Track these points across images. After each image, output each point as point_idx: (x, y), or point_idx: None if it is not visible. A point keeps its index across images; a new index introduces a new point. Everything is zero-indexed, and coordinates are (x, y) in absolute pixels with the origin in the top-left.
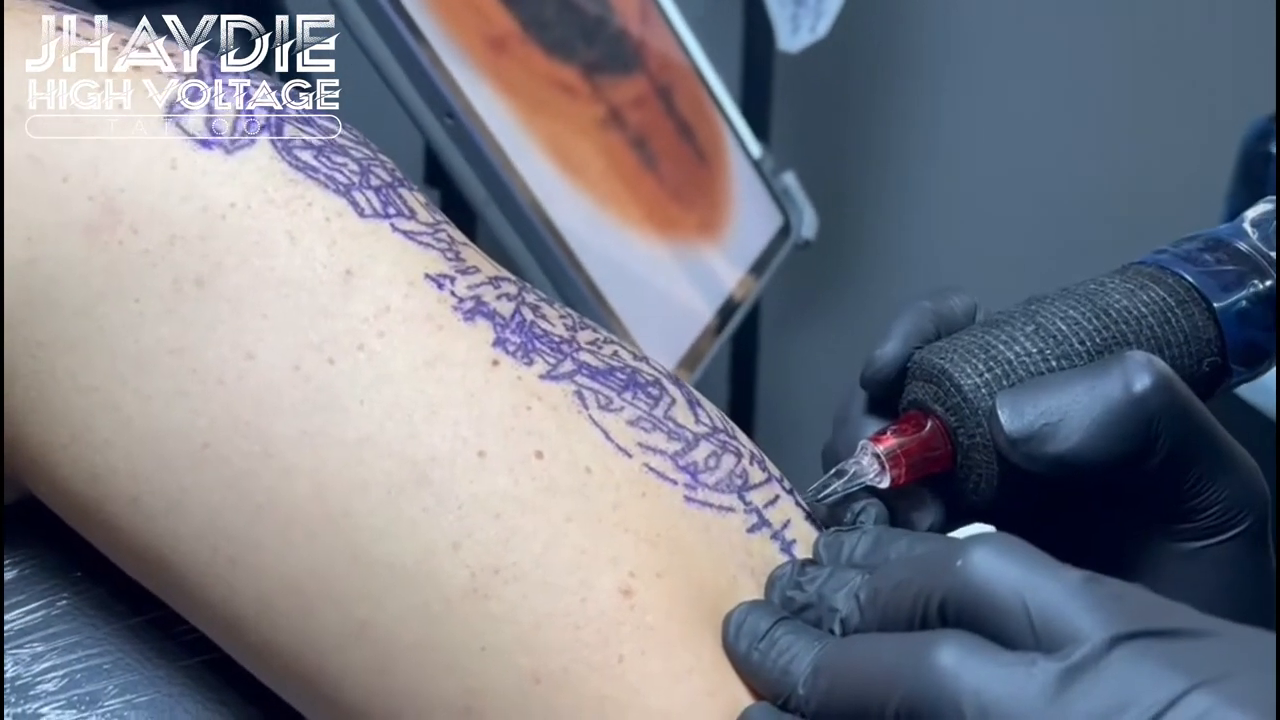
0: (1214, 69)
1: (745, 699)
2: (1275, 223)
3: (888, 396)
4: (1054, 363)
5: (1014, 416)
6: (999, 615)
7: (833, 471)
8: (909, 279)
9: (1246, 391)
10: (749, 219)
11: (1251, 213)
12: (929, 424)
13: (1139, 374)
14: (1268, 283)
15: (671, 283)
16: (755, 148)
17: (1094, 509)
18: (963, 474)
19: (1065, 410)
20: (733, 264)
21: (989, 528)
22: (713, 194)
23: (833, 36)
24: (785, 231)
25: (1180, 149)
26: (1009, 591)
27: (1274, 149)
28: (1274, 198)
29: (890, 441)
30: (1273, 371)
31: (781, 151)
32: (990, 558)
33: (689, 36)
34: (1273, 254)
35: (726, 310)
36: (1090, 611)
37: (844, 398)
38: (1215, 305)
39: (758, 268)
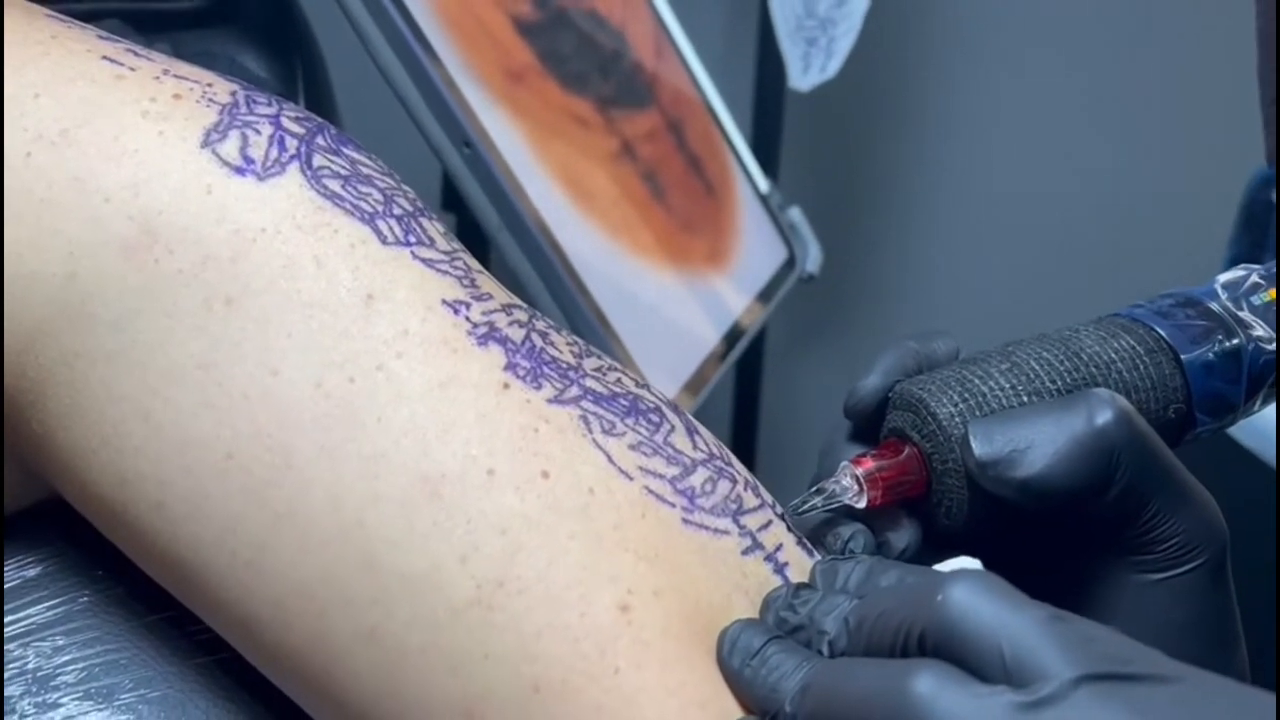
0: (1221, 117)
1: (735, 712)
2: (1244, 286)
3: (869, 426)
4: (1025, 398)
5: (984, 442)
6: (974, 649)
7: (814, 489)
8: (910, 316)
9: (1243, 436)
10: (755, 251)
11: (1224, 276)
12: (906, 450)
13: (1102, 408)
14: (1234, 340)
15: (678, 309)
16: (763, 183)
17: (1060, 537)
18: (936, 498)
19: (1032, 439)
20: (739, 291)
21: (975, 562)
22: (720, 226)
23: (843, 76)
24: (790, 265)
25: (1186, 197)
26: (984, 627)
27: (1275, 198)
28: (1247, 264)
29: (869, 464)
30: (1272, 418)
31: (789, 187)
32: (969, 594)
33: (702, 73)
34: (1240, 314)
35: (732, 336)
36: (1059, 650)
37: (831, 429)
38: (1183, 356)
39: (763, 297)
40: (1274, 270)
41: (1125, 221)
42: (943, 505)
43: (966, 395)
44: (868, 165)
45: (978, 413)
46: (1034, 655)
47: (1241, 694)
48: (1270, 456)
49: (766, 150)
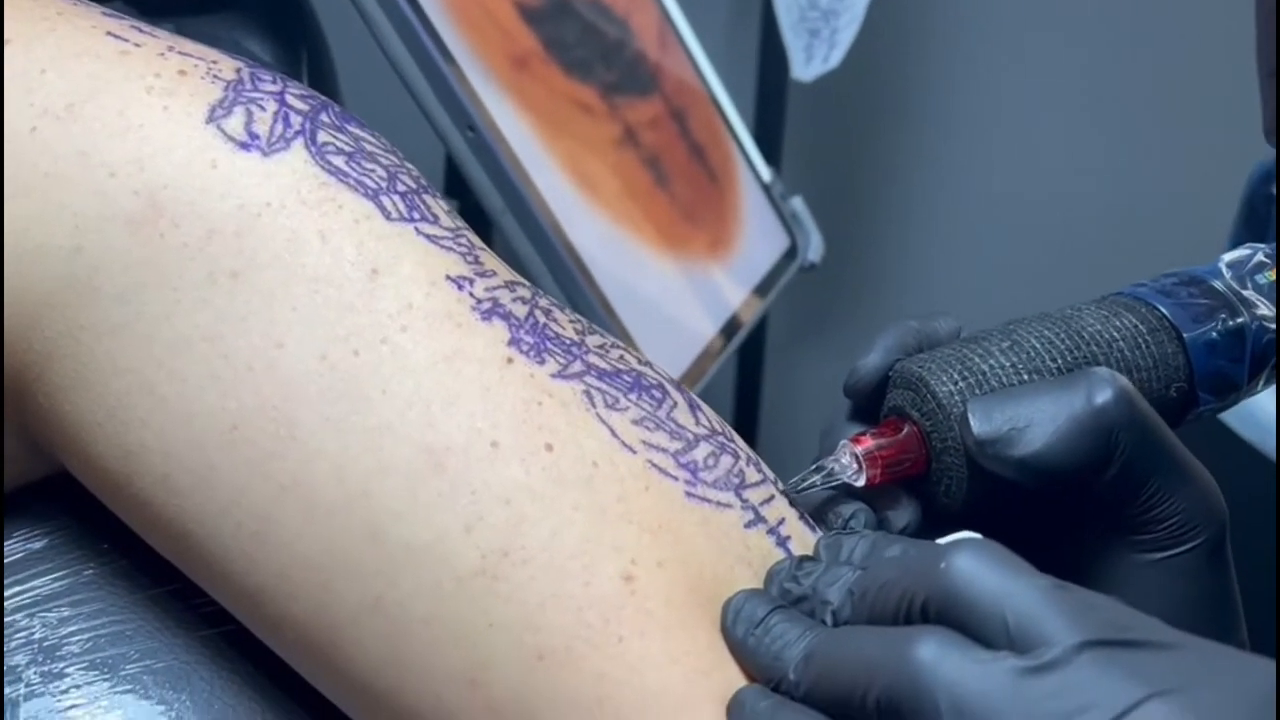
0: (1223, 110)
1: (738, 680)
2: (1249, 265)
3: (870, 405)
4: (1025, 376)
5: (983, 420)
6: (977, 616)
7: (813, 467)
8: (911, 305)
9: (1242, 428)
10: (756, 239)
11: (1228, 255)
12: (906, 428)
13: (1101, 387)
14: (1238, 319)
15: (678, 298)
16: (765, 171)
17: (1060, 516)
18: (936, 477)
19: (1031, 417)
20: (738, 283)
21: (976, 535)
22: (722, 214)
23: (845, 67)
24: (791, 254)
25: (1188, 188)
26: (987, 594)
27: (1275, 182)
28: (1253, 244)
29: (868, 443)
30: (1272, 410)
31: (792, 176)
32: (972, 562)
33: (705, 62)
34: (1244, 293)
35: (730, 329)
36: (1062, 617)
37: (832, 408)
38: (1185, 335)
39: (763, 288)
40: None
41: (1127, 214)
42: (942, 484)
43: (966, 373)
44: (870, 155)
45: (977, 391)
46: (1037, 622)
47: (1241, 660)
48: (1270, 449)
49: (769, 140)
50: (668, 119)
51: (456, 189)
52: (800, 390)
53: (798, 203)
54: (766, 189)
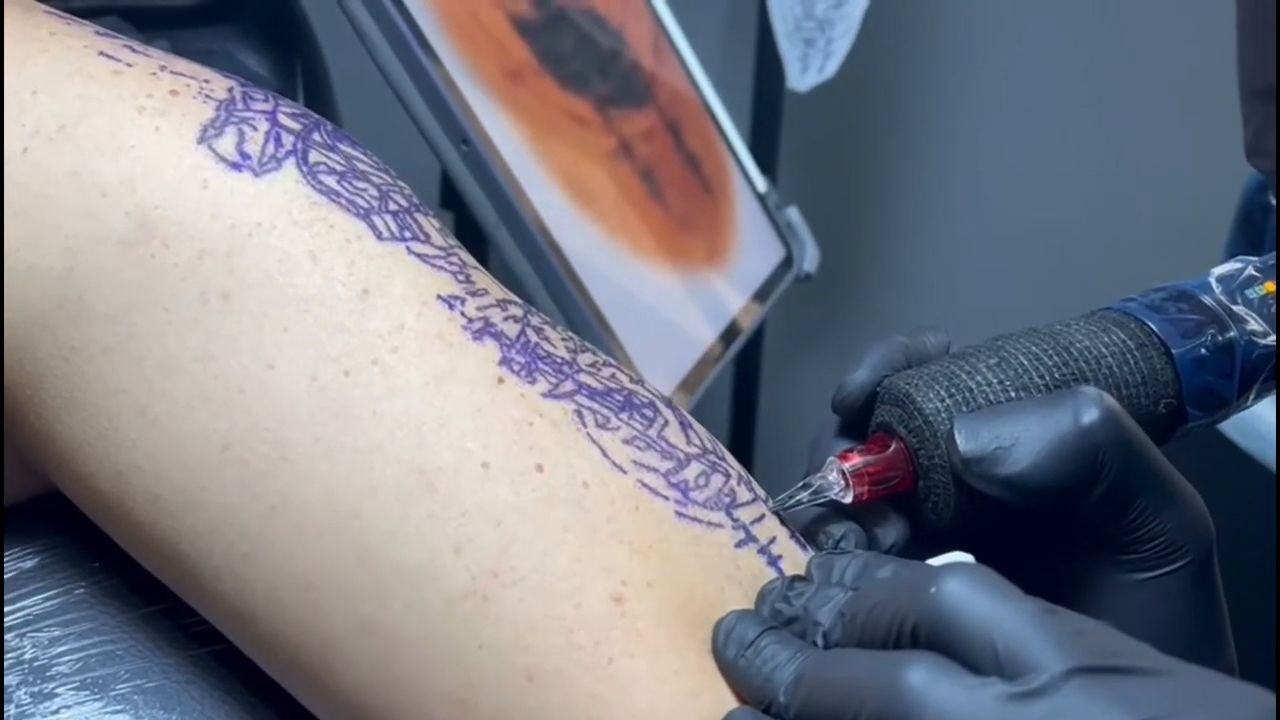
0: (1219, 119)
1: (729, 702)
2: (1239, 280)
3: (858, 421)
4: (1013, 393)
5: (969, 438)
6: (966, 641)
7: (800, 484)
8: (907, 315)
9: (1241, 439)
10: (752, 250)
11: (1218, 270)
12: (893, 445)
13: (1088, 407)
14: (1227, 334)
15: (675, 307)
16: (760, 182)
17: (1048, 535)
18: (923, 494)
19: (1017, 436)
20: (736, 290)
21: (968, 556)
22: (717, 224)
23: (840, 77)
24: (787, 264)
25: (1183, 199)
26: (976, 620)
27: (1273, 199)
28: (1244, 257)
29: (856, 459)
30: (1271, 420)
31: (788, 187)
32: (961, 587)
33: (700, 73)
34: (1234, 308)
35: (729, 335)
36: (1050, 643)
37: (820, 424)
38: (1174, 351)
39: (760, 296)
40: (1271, 262)
41: (1122, 224)
42: (930, 501)
43: (953, 390)
44: (865, 165)
45: (964, 408)
46: (1025, 647)
47: (1230, 688)
48: (1269, 459)
49: (764, 150)
50: (662, 130)
51: (451, 203)
52: (797, 401)
53: (793, 213)
54: (762, 199)
